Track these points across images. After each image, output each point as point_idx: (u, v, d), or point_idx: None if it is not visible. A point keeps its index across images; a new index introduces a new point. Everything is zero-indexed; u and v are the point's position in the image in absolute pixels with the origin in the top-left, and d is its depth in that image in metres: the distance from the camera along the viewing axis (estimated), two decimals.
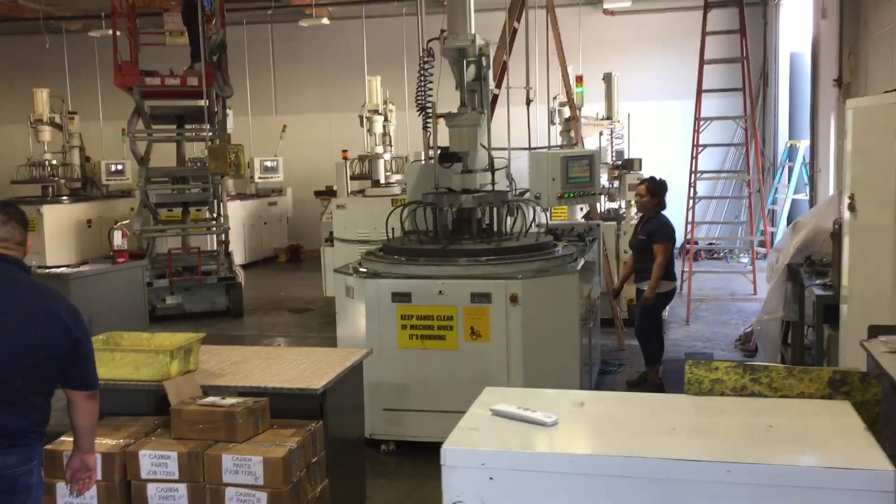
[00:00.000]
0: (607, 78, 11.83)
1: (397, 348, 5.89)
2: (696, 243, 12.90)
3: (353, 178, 12.34)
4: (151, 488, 3.98)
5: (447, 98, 6.99)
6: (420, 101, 6.61)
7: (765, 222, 12.12)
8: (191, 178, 11.71)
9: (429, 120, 6.70)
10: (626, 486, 2.30)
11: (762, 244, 12.37)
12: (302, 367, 4.63)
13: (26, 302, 3.30)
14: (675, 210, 8.15)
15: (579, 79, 9.94)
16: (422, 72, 6.51)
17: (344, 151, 11.22)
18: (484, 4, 8.75)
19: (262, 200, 16.01)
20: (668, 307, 8.81)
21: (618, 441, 2.46)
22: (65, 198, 15.45)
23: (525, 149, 7.56)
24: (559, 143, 10.62)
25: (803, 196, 12.46)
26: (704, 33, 11.18)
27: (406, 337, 5.88)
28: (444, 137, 6.82)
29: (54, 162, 15.51)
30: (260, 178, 15.98)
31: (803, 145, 12.54)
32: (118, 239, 8.62)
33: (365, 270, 6.13)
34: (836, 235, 5.68)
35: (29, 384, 3.25)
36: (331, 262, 9.60)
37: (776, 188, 14.00)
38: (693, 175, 11.23)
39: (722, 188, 14.66)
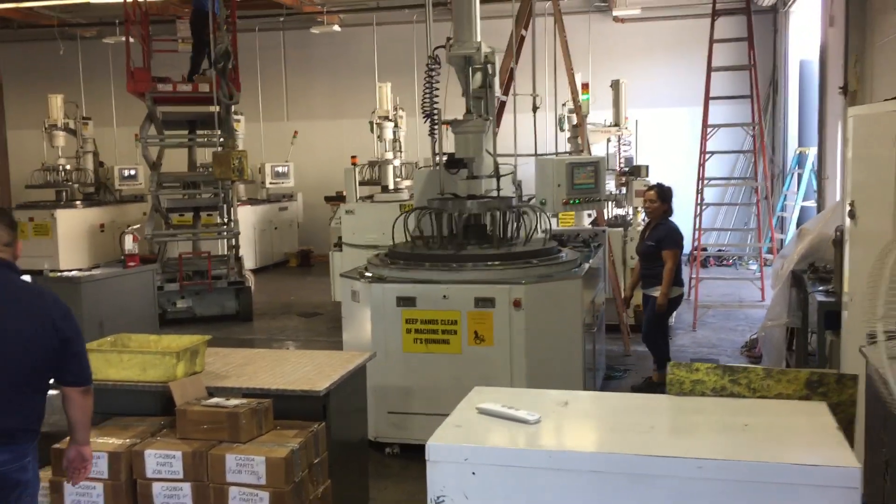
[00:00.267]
0: (615, 85, 11.89)
1: (402, 352, 5.96)
2: (705, 249, 12.92)
3: (362, 183, 12.45)
4: (156, 487, 4.05)
5: (455, 105, 7.06)
6: (426, 108, 6.68)
7: (772, 229, 12.12)
8: (202, 184, 11.82)
9: (435, 126, 6.77)
10: (603, 480, 2.36)
11: (770, 251, 12.37)
12: (306, 370, 4.70)
13: (15, 302, 3.40)
14: (682, 216, 8.19)
15: (585, 86, 9.99)
16: (428, 79, 6.58)
17: (353, 157, 11.31)
18: (491, 12, 8.84)
19: (273, 205, 16.13)
20: (674, 312, 8.84)
21: (596, 438, 2.52)
22: (78, 202, 15.63)
23: (531, 155, 7.61)
24: (567, 149, 10.68)
25: (812, 203, 12.45)
26: (712, 41, 11.22)
27: (411, 341, 5.94)
28: (451, 144, 6.89)
29: (68, 167, 15.71)
30: (271, 183, 16.10)
31: (812, 152, 12.54)
32: (129, 243, 8.73)
33: (370, 275, 6.20)
34: (839, 242, 5.70)
35: (20, 383, 3.35)
36: (339, 267, 9.67)
37: (785, 195, 14.00)
38: (700, 182, 11.25)
39: (732, 195, 14.68)
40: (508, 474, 2.40)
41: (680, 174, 12.71)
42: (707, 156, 11.40)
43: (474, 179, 6.69)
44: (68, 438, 4.12)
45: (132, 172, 15.95)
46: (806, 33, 13.53)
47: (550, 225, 6.89)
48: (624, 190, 10.28)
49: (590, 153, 9.73)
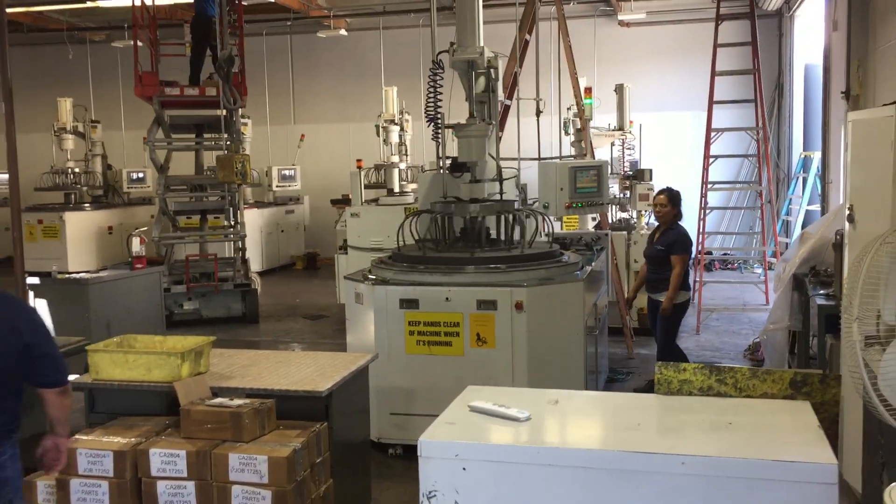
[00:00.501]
0: (619, 89, 11.93)
1: (405, 354, 6.01)
2: (710, 253, 12.94)
3: (368, 186, 12.51)
4: (161, 485, 4.12)
5: (459, 109, 7.12)
6: (430, 113, 6.74)
7: (775, 233, 12.14)
8: (209, 187, 11.91)
9: (438, 130, 6.83)
10: (589, 476, 2.42)
11: (775, 255, 12.39)
12: (308, 371, 4.76)
13: None
14: (687, 220, 8.21)
15: (588, 90, 10.04)
16: (431, 84, 6.64)
17: (358, 161, 11.38)
18: (496, 16, 8.92)
19: (279, 208, 16.21)
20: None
21: (584, 435, 2.58)
22: (87, 205, 15.76)
23: (534, 159, 7.67)
24: (571, 153, 10.73)
25: (817, 207, 12.45)
26: (716, 45, 11.26)
27: (413, 343, 6.00)
28: (456, 148, 6.95)
29: (77, 170, 15.84)
30: (278, 186, 16.17)
31: (817, 156, 12.55)
32: (136, 245, 8.83)
33: (374, 277, 6.26)
34: (839, 246, 5.74)
35: None
36: (345, 270, 9.72)
37: (790, 199, 14.01)
38: (704, 186, 11.28)
39: (737, 199, 14.69)
40: (498, 470, 2.47)
41: (684, 178, 12.71)
42: (711, 160, 11.44)
43: (477, 183, 6.75)
44: (74, 438, 4.21)
45: (140, 175, 16.08)
46: (811, 37, 13.54)
47: (553, 228, 6.94)
48: (628, 193, 10.33)
49: (593, 157, 9.78)
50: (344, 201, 13.45)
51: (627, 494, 2.37)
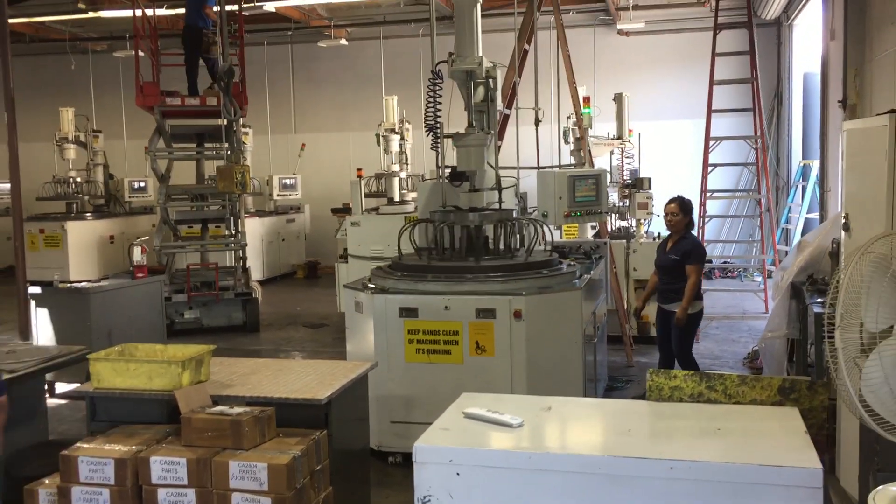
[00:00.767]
0: (618, 98, 11.98)
1: (404, 362, 6.04)
2: (710, 261, 12.98)
3: (369, 195, 12.56)
4: (162, 493, 4.14)
5: (458, 118, 7.16)
6: (429, 122, 6.79)
7: (774, 241, 12.18)
8: (210, 196, 11.96)
9: (437, 140, 6.88)
10: (580, 480, 2.46)
11: (774, 263, 12.42)
12: (308, 379, 4.79)
13: None
14: None
15: (587, 99, 10.09)
16: (430, 94, 6.69)
17: (358, 170, 11.43)
18: (495, 26, 8.98)
19: (280, 217, 16.26)
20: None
21: (575, 440, 2.62)
22: (88, 214, 15.81)
23: (533, 168, 7.71)
24: (570, 162, 10.77)
25: (816, 215, 12.49)
26: (714, 55, 11.33)
27: (413, 351, 6.03)
28: (455, 157, 6.99)
29: (78, 179, 15.91)
30: (279, 195, 16.24)
31: (816, 165, 12.59)
32: (137, 255, 8.86)
33: (374, 286, 6.30)
34: (835, 254, 5.78)
35: None
36: (345, 279, 9.75)
37: (790, 207, 14.05)
38: (703, 194, 11.33)
39: (737, 207, 14.74)
40: (491, 475, 2.51)
41: (683, 186, 12.71)
42: (710, 168, 11.49)
43: (476, 192, 6.79)
44: (76, 446, 4.24)
45: (141, 185, 16.14)
46: (809, 46, 13.61)
47: (552, 237, 6.96)
48: (627, 202, 10.36)
49: (592, 166, 9.82)
50: (344, 210, 13.50)
51: (617, 498, 2.42)
